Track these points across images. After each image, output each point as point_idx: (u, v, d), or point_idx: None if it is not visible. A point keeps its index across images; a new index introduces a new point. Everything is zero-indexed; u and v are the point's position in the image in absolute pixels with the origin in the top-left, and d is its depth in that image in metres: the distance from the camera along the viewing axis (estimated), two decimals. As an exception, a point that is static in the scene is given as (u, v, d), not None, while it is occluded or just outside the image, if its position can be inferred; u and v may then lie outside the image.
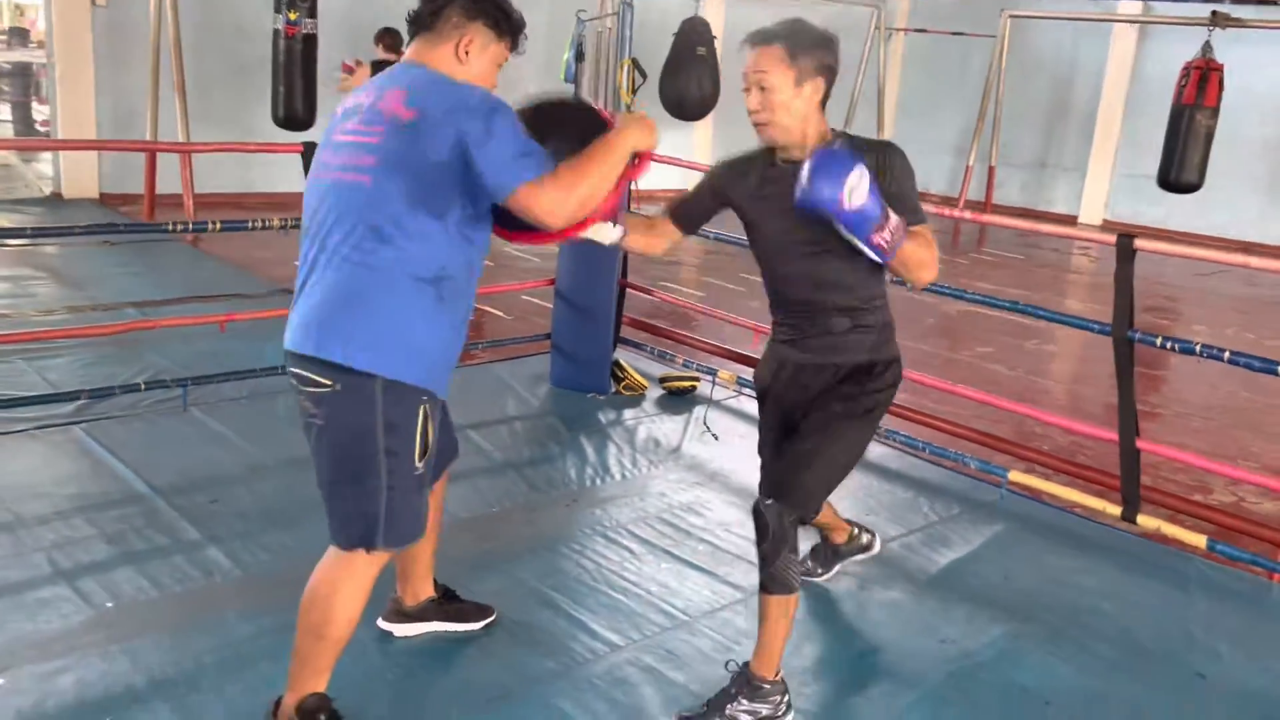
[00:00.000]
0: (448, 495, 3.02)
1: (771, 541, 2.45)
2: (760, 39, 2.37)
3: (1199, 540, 3.38)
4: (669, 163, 5.21)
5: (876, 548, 3.29)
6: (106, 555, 3.07)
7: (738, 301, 6.82)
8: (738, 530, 3.55)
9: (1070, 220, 13.29)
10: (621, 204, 2.45)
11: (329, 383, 2.11)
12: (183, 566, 3.05)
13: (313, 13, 8.07)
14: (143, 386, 4.06)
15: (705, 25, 10.35)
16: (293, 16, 7.98)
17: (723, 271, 8.35)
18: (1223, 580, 3.46)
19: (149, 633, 2.70)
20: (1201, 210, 11.70)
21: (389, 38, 8.01)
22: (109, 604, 2.83)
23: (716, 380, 4.79)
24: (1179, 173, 10.46)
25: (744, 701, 2.49)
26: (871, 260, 2.32)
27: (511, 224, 2.26)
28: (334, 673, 2.31)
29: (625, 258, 4.93)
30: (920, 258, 2.33)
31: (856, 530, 3.25)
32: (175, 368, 4.64)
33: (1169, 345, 3.31)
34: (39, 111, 13.50)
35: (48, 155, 10.57)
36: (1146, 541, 3.68)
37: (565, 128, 2.32)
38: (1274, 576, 3.44)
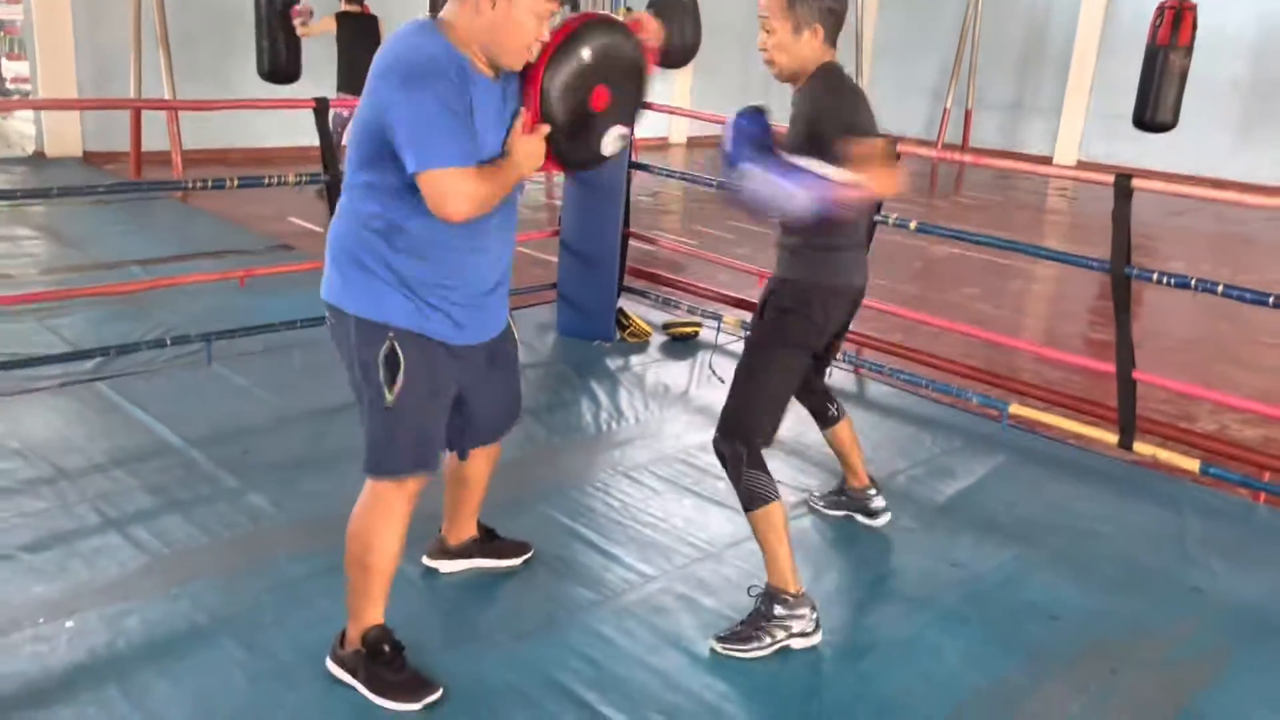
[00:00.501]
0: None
1: (730, 466, 2.69)
2: None
3: (1192, 465, 3.57)
4: (654, 109, 5.27)
5: (880, 521, 3.32)
6: (152, 505, 3.18)
7: (729, 249, 6.93)
8: (752, 467, 3.70)
9: (1045, 160, 13.44)
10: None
11: (329, 315, 2.35)
12: (228, 513, 3.17)
13: (290, -34, 8.00)
14: (168, 342, 4.14)
15: (686, -29, 10.33)
16: None
17: (711, 220, 8.45)
18: (1213, 502, 3.66)
19: (205, 576, 2.82)
20: (1174, 149, 11.87)
21: None
22: (164, 550, 2.94)
23: (721, 326, 4.91)
24: (1154, 113, 10.60)
25: (776, 611, 2.65)
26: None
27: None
28: (387, 606, 2.44)
29: (628, 208, 5.02)
30: (857, 189, 2.34)
31: (874, 490, 3.34)
32: (187, 323, 4.70)
33: (1165, 280, 3.47)
34: (9, 69, 13.27)
35: (28, 113, 10.43)
36: (1140, 468, 3.87)
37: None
38: (1259, 497, 3.64)
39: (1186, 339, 6.15)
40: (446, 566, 2.94)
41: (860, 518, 3.36)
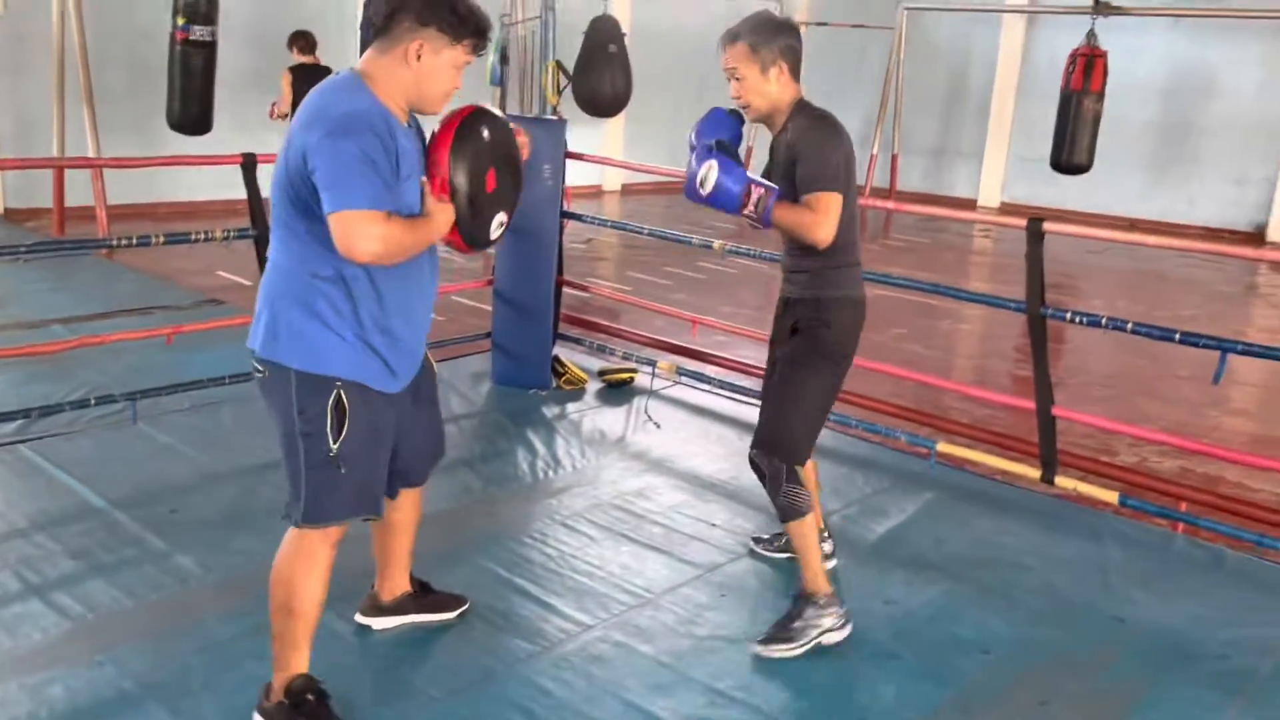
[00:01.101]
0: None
1: (769, 481, 2.88)
2: (728, 39, 2.81)
3: (1111, 497, 3.68)
4: (586, 160, 5.38)
5: (829, 565, 3.31)
6: (75, 569, 3.10)
7: (664, 295, 7.01)
8: (688, 512, 3.74)
9: (970, 203, 13.84)
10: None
11: (261, 370, 2.34)
12: (154, 575, 3.10)
13: (209, 20, 7.95)
14: (92, 402, 4.05)
15: (615, 23, 10.48)
16: (180, 22, 7.88)
17: (647, 266, 8.54)
18: (1132, 533, 3.77)
19: (131, 640, 2.76)
20: (1091, 190, 12.32)
21: (302, 40, 8.00)
22: (88, 615, 2.87)
23: (656, 371, 4.96)
24: (1070, 155, 11.02)
25: (807, 616, 2.87)
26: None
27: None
28: (317, 665, 2.44)
29: (561, 256, 5.07)
30: (795, 221, 2.72)
31: (826, 533, 3.39)
32: (112, 382, 4.62)
33: (1078, 319, 3.60)
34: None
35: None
36: (1061, 501, 3.98)
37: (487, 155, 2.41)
38: (1177, 527, 3.76)
39: (1107, 374, 6.35)
40: (380, 623, 2.91)
41: None
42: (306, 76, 7.81)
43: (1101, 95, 10.79)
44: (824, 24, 14.17)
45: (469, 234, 2.45)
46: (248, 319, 2.45)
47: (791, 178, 2.77)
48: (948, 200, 13.75)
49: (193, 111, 7.85)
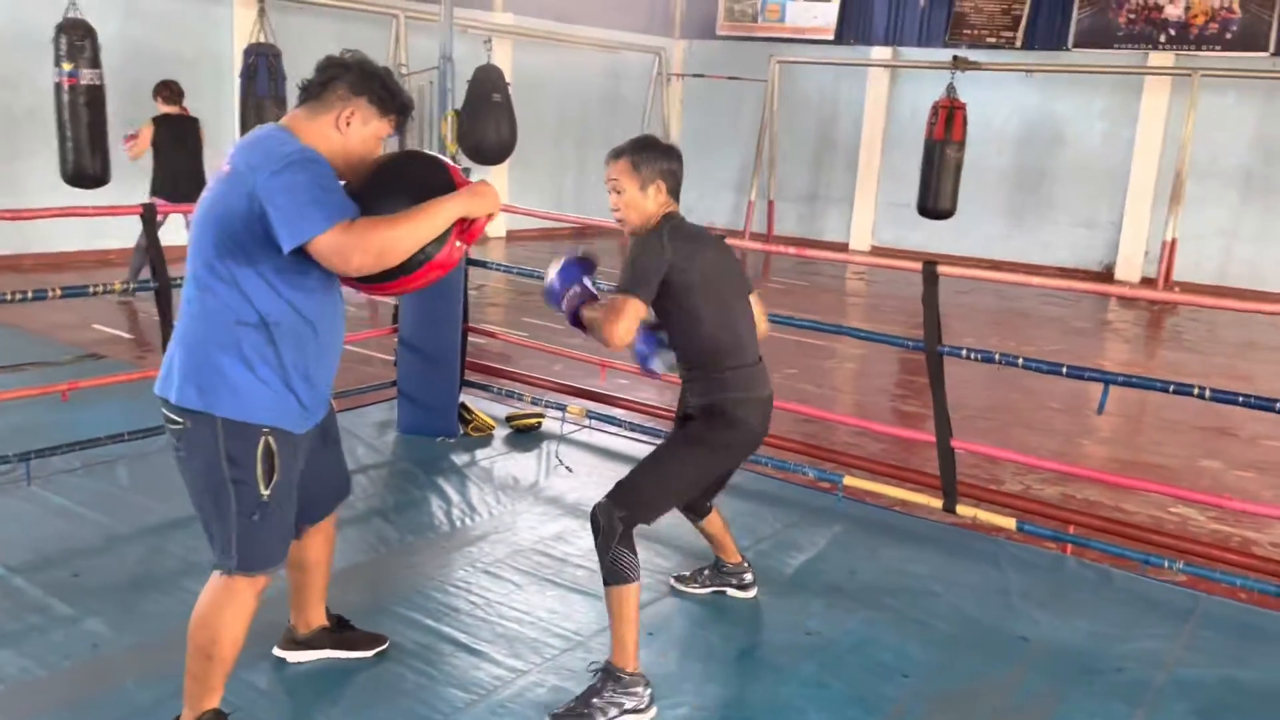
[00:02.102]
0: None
1: (602, 536, 2.78)
2: (613, 154, 2.92)
3: (1009, 523, 3.89)
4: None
5: (750, 595, 3.50)
6: (-24, 640, 2.95)
7: (559, 339, 7.05)
8: (608, 554, 3.77)
9: (842, 247, 14.37)
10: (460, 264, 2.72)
11: (181, 421, 2.33)
12: (64, 642, 2.97)
13: (94, 63, 7.76)
14: (-16, 463, 3.85)
15: (499, 73, 10.64)
16: (67, 68, 7.66)
17: (541, 311, 8.56)
18: (1026, 556, 3.99)
19: (48, 712, 2.64)
20: (955, 234, 12.97)
21: (166, 90, 7.83)
22: (0, 688, 2.73)
23: (566, 415, 5.00)
24: (935, 201, 11.64)
25: (607, 694, 2.77)
26: (678, 331, 2.93)
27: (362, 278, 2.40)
28: (231, 701, 2.45)
29: (466, 303, 5.08)
30: (590, 319, 2.81)
31: (747, 564, 3.52)
32: (-9, 443, 4.40)
33: (973, 356, 3.81)
34: None
35: None
36: (958, 529, 4.18)
37: (407, 183, 2.44)
38: (1066, 549, 4.00)
39: (984, 408, 6.68)
40: (295, 657, 2.93)
41: (732, 591, 3.51)
42: (171, 126, 7.65)
43: (962, 145, 11.46)
44: (701, 75, 14.60)
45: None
46: (143, 373, 2.44)
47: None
48: (821, 244, 14.26)
49: (91, 164, 7.61)
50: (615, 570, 2.77)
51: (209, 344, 2.30)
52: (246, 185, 2.22)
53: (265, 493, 2.35)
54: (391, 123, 2.45)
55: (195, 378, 2.30)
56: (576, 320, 2.86)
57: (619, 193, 2.90)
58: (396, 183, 2.43)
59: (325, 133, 2.35)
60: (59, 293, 3.72)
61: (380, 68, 2.44)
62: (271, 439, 2.34)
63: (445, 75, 5.34)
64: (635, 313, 2.73)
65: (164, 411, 2.35)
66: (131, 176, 8.45)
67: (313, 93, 2.39)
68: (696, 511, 3.40)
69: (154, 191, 7.65)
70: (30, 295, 3.65)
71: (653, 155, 2.89)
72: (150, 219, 3.96)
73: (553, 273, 2.93)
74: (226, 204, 2.25)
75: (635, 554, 2.78)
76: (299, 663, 2.93)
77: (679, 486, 2.97)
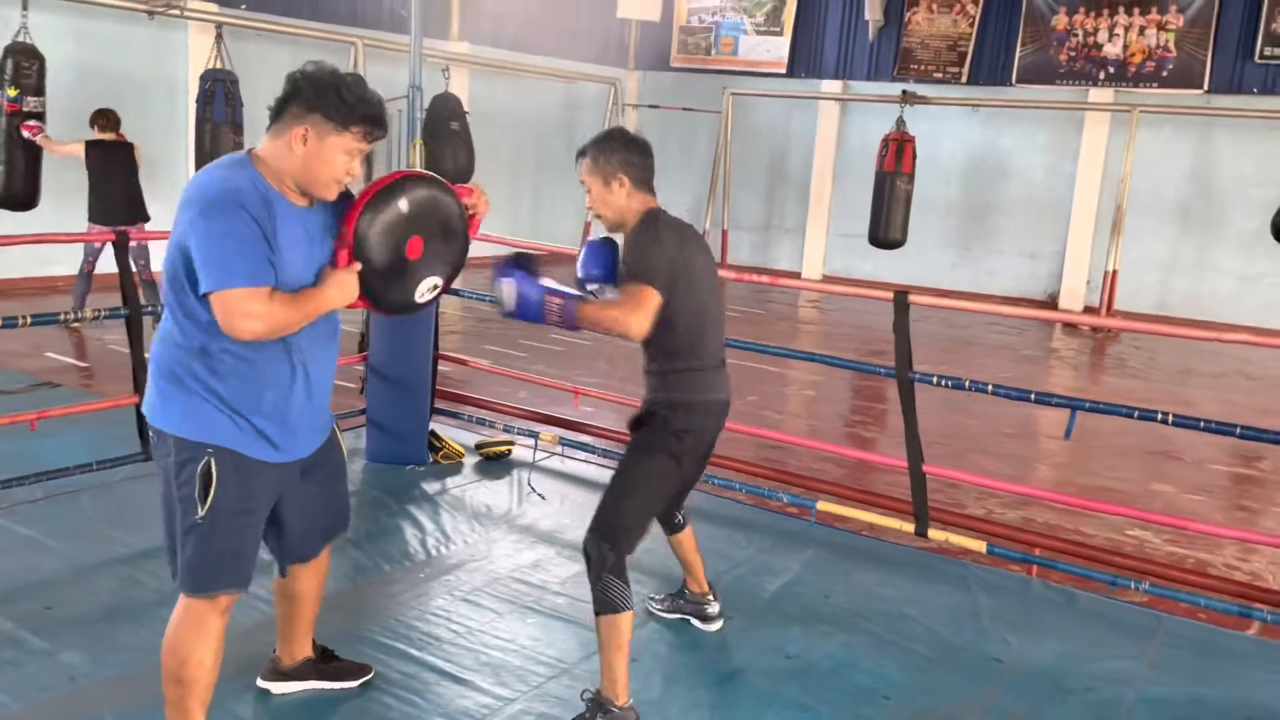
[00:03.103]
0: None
1: (593, 567, 2.82)
2: (579, 155, 2.98)
3: (979, 546, 3.97)
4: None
5: (714, 627, 3.48)
6: (-52, 675, 2.87)
7: (524, 366, 7.07)
8: (586, 582, 3.77)
9: (794, 275, 14.55)
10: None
11: (153, 435, 2.43)
12: (39, 675, 2.91)
13: (39, 90, 7.66)
14: (-51, 494, 3.76)
15: (456, 101, 10.67)
16: (12, 94, 7.56)
17: (501, 338, 8.58)
18: (993, 579, 4.07)
19: (26, 747, 2.58)
20: (904, 263, 13.21)
21: (102, 118, 7.75)
22: (-28, 723, 2.67)
23: (539, 442, 5.01)
24: (886, 231, 11.84)
25: None
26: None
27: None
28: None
29: (437, 330, 5.08)
30: (602, 317, 2.73)
31: (711, 596, 3.52)
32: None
33: (944, 383, 3.91)
34: None
35: None
36: (925, 553, 4.26)
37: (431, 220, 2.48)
38: (1031, 570, 4.10)
39: (940, 434, 6.79)
40: (279, 688, 2.91)
41: (696, 622, 3.51)
42: (104, 152, 7.59)
43: (912, 177, 11.70)
44: (655, 106, 14.75)
45: (386, 300, 2.52)
46: (113, 402, 2.53)
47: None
48: (774, 273, 14.43)
49: (20, 186, 7.52)
50: (605, 600, 2.79)
51: (170, 365, 2.37)
52: (180, 220, 2.27)
53: (200, 512, 2.34)
54: (357, 135, 2.34)
55: (157, 395, 2.40)
56: (573, 322, 2.75)
57: (588, 191, 2.97)
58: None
59: (282, 153, 2.33)
60: (29, 320, 3.67)
61: (340, 78, 2.35)
62: (214, 459, 2.34)
63: (414, 104, 5.36)
64: (654, 303, 2.74)
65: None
66: (64, 200, 8.33)
67: (274, 114, 2.38)
68: (667, 525, 3.41)
69: (92, 218, 7.55)
70: (3, 323, 3.58)
71: (611, 149, 2.93)
72: (123, 245, 3.91)
73: (510, 288, 2.77)
74: (172, 240, 2.30)
75: (627, 583, 2.81)
76: (283, 694, 2.91)
77: (651, 502, 2.97)
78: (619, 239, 3.01)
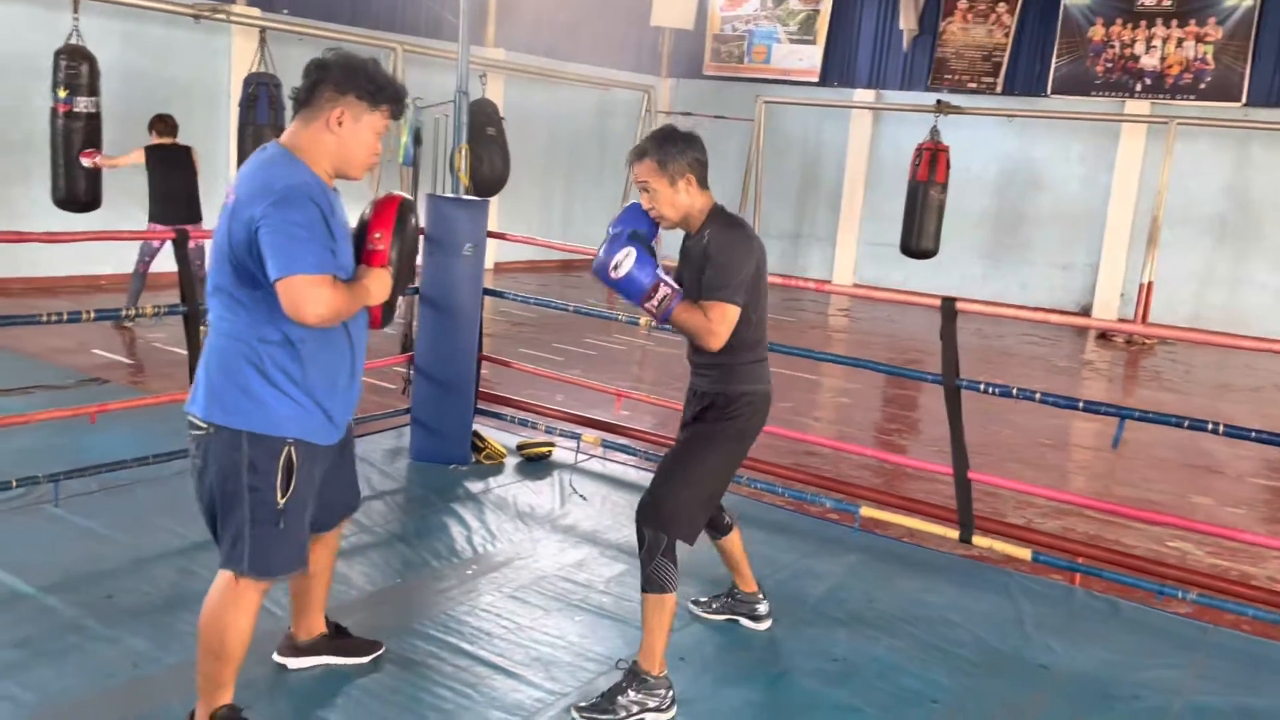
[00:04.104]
0: (350, 569, 3.48)
1: (646, 550, 2.90)
2: (635, 155, 2.97)
3: (1025, 553, 3.98)
4: (509, 239, 5.53)
5: (763, 626, 3.52)
6: (18, 657, 2.95)
7: (561, 371, 7.11)
8: (630, 582, 3.82)
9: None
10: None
11: (203, 428, 2.44)
12: (105, 660, 2.98)
13: (92, 90, 7.80)
14: (14, 484, 3.83)
15: (493, 106, 10.75)
16: (62, 94, 7.70)
17: (536, 342, 8.65)
18: (1036, 587, 4.08)
19: (95, 730, 2.65)
20: (936, 273, 13.19)
21: (161, 123, 7.91)
22: (43, 704, 2.73)
23: (581, 444, 5.06)
24: (918, 241, 11.82)
25: (632, 693, 2.89)
26: None
27: None
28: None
29: (481, 332, 5.14)
30: (692, 326, 2.85)
31: (761, 595, 3.56)
32: (4, 465, 4.35)
33: (990, 390, 3.92)
34: None
35: None
36: (966, 560, 4.27)
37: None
38: (1074, 579, 4.10)
39: (978, 444, 6.77)
40: (295, 663, 3.01)
41: (745, 621, 3.54)
42: (162, 156, 7.73)
43: (945, 186, 11.68)
44: (688, 114, 14.78)
45: (389, 306, 2.65)
46: (170, 396, 2.57)
47: (700, 280, 2.90)
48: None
49: (83, 190, 7.67)
50: (654, 579, 2.89)
51: (236, 360, 2.41)
52: (245, 215, 2.33)
53: (281, 502, 2.44)
54: (385, 114, 2.48)
55: (222, 393, 2.41)
56: (668, 315, 2.84)
57: (649, 192, 2.93)
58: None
59: (319, 138, 2.43)
60: (92, 315, 3.76)
61: (365, 60, 2.47)
62: (294, 451, 2.44)
63: (460, 108, 5.42)
64: (735, 318, 2.84)
65: (189, 419, 2.47)
66: (122, 203, 8.48)
67: (302, 99, 2.46)
68: (717, 527, 3.44)
69: (152, 219, 7.69)
70: (66, 317, 3.67)
71: (676, 149, 2.90)
72: (182, 242, 4.00)
73: (629, 259, 2.81)
74: (232, 233, 2.36)
75: (676, 566, 2.89)
76: (299, 669, 3.00)
77: (716, 489, 3.03)
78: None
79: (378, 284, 2.50)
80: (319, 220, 2.34)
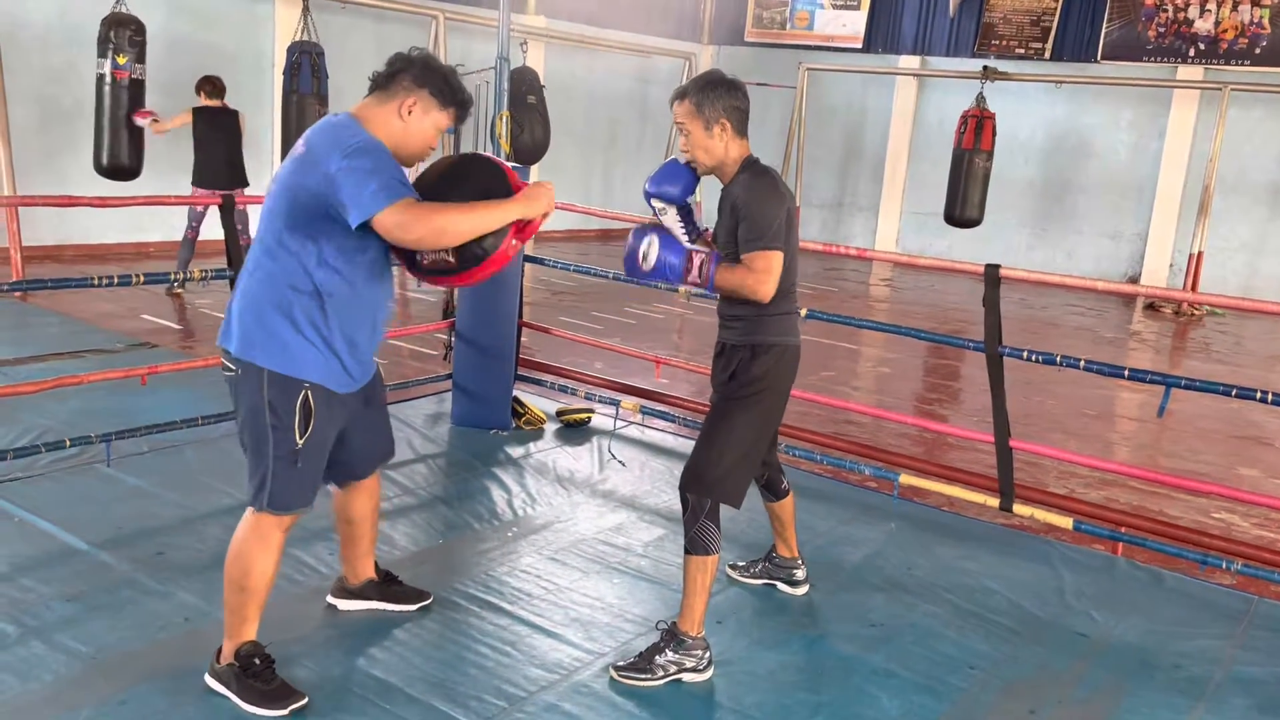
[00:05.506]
0: (393, 530, 3.62)
1: (690, 512, 2.94)
2: (677, 95, 2.95)
3: (1066, 522, 3.96)
4: (561, 208, 5.54)
5: (800, 591, 3.54)
6: (73, 611, 3.04)
7: (600, 338, 7.13)
8: (668, 546, 3.86)
9: (867, 254, 14.42)
10: (512, 260, 2.79)
11: (234, 368, 2.58)
12: (158, 614, 3.06)
13: (140, 58, 7.89)
14: (67, 443, 3.94)
15: (534, 74, 10.73)
16: (121, 60, 7.78)
17: (575, 310, 8.67)
18: (1077, 557, 4.05)
19: (148, 680, 2.73)
20: (979, 243, 13.02)
21: (209, 85, 7.97)
22: (97, 656, 2.82)
23: (620, 410, 5.08)
24: (963, 210, 11.67)
25: (670, 653, 2.93)
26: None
27: (417, 265, 2.66)
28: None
29: (522, 299, 5.17)
30: (737, 283, 2.84)
31: (800, 562, 3.58)
32: (61, 426, 4.50)
33: (1034, 358, 3.89)
34: None
35: None
36: (1006, 529, 4.25)
37: (470, 181, 2.69)
38: (1116, 549, 4.06)
39: (1021, 414, 6.72)
40: (345, 605, 3.18)
41: (783, 586, 3.56)
42: (209, 119, 7.81)
43: (991, 154, 11.50)
44: (728, 81, 14.68)
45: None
46: (217, 360, 2.78)
47: (735, 234, 2.90)
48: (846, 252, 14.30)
49: (127, 157, 7.77)
50: (698, 541, 2.92)
51: (266, 304, 2.53)
52: (320, 167, 2.43)
53: (299, 441, 2.56)
54: (450, 116, 2.65)
55: (250, 332, 2.54)
56: (710, 282, 2.87)
57: (687, 134, 2.92)
58: (461, 183, 2.67)
59: (388, 119, 2.57)
60: (141, 279, 3.85)
61: (445, 65, 2.67)
62: (311, 394, 2.55)
63: (502, 75, 5.43)
64: (780, 265, 2.84)
65: (223, 362, 2.61)
66: (165, 169, 8.59)
67: (380, 83, 2.62)
68: (774, 491, 3.46)
69: (196, 181, 7.78)
70: (116, 280, 3.76)
71: (716, 94, 2.88)
72: (229, 209, 4.05)
73: (653, 246, 2.88)
74: (300, 181, 2.47)
75: (719, 529, 2.92)
76: (349, 610, 3.15)
77: (749, 448, 2.97)
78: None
79: (526, 200, 2.61)
80: (393, 164, 2.50)
